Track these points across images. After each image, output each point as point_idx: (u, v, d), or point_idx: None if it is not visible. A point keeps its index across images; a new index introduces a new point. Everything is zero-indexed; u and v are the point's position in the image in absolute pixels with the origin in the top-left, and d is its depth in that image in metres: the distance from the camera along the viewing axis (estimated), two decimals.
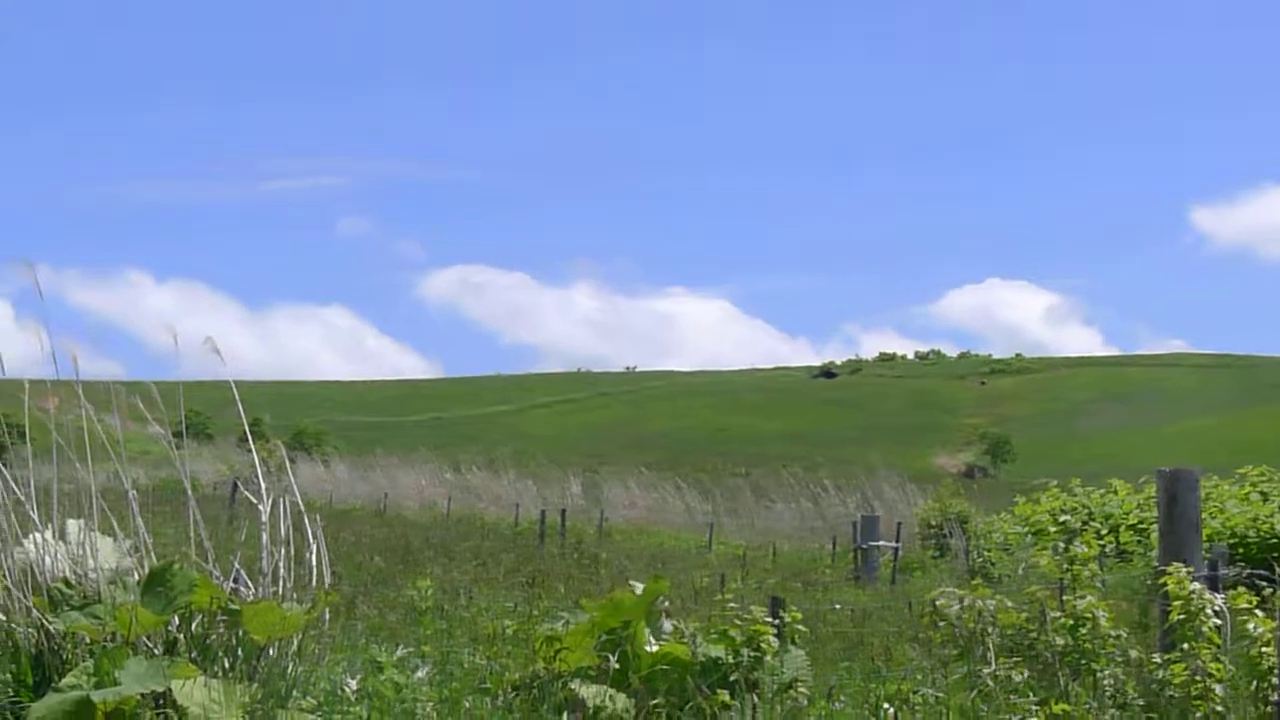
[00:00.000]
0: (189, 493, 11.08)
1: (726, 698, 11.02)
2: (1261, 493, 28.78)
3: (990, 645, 12.92)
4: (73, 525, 10.61)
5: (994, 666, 12.49)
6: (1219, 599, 12.69)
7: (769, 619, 11.96)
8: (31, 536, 10.59)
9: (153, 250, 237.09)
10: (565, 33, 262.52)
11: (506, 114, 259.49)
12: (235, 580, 10.69)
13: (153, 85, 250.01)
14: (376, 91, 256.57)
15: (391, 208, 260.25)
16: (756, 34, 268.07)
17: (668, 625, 12.14)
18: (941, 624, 13.55)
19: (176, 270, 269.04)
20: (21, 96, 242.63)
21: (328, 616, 11.04)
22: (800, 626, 12.75)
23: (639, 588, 11.91)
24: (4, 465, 11.13)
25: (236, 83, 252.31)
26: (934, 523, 39.40)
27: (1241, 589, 13.36)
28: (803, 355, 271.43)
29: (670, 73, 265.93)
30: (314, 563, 10.89)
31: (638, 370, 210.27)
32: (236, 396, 11.43)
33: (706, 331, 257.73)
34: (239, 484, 15.88)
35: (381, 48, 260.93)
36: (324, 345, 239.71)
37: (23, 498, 10.84)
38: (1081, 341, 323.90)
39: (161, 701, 9.09)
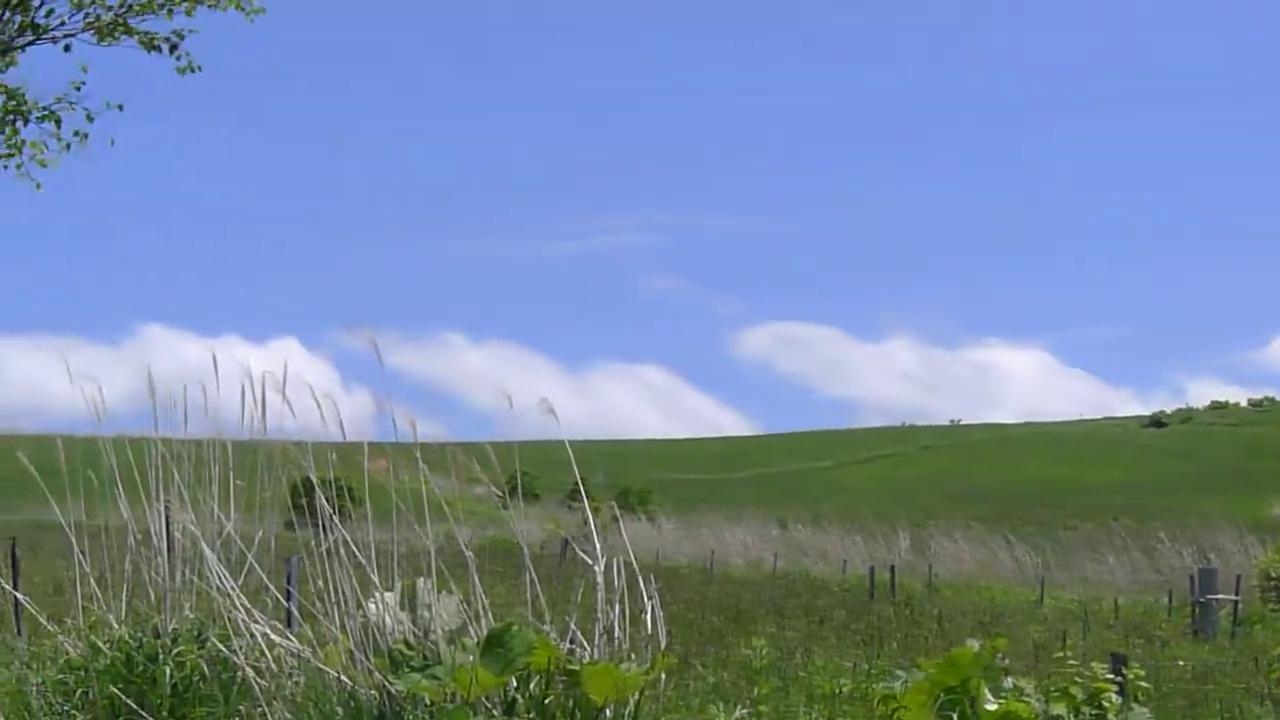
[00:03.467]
0: (524, 553, 11.12)
1: None
2: None
3: None
4: (421, 584, 10.72)
5: None
6: None
7: (1110, 676, 11.59)
8: (373, 598, 10.72)
9: (466, 310, 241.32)
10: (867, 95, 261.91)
11: (802, 166, 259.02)
12: (571, 640, 10.69)
13: (456, 144, 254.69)
14: (682, 146, 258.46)
15: (700, 265, 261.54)
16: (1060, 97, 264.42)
17: (1007, 683, 11.82)
18: None
19: (491, 331, 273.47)
20: (328, 156, 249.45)
21: (664, 677, 10.97)
22: (1143, 683, 12.35)
23: (977, 645, 11.61)
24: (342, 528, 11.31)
25: (591, 143, 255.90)
26: (1275, 574, 38.16)
27: None
28: (1127, 405, 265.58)
29: (969, 120, 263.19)
30: (649, 622, 10.82)
31: (962, 423, 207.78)
32: (570, 456, 11.46)
33: (1026, 383, 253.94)
34: (570, 543, 15.95)
35: (686, 107, 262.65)
36: (642, 403, 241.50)
37: (363, 560, 10.99)
38: None
39: None
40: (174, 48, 18.50)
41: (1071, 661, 11.97)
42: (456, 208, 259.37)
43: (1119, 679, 11.74)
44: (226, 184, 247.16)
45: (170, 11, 18.23)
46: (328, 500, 11.28)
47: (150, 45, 18.43)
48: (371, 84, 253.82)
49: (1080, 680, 11.41)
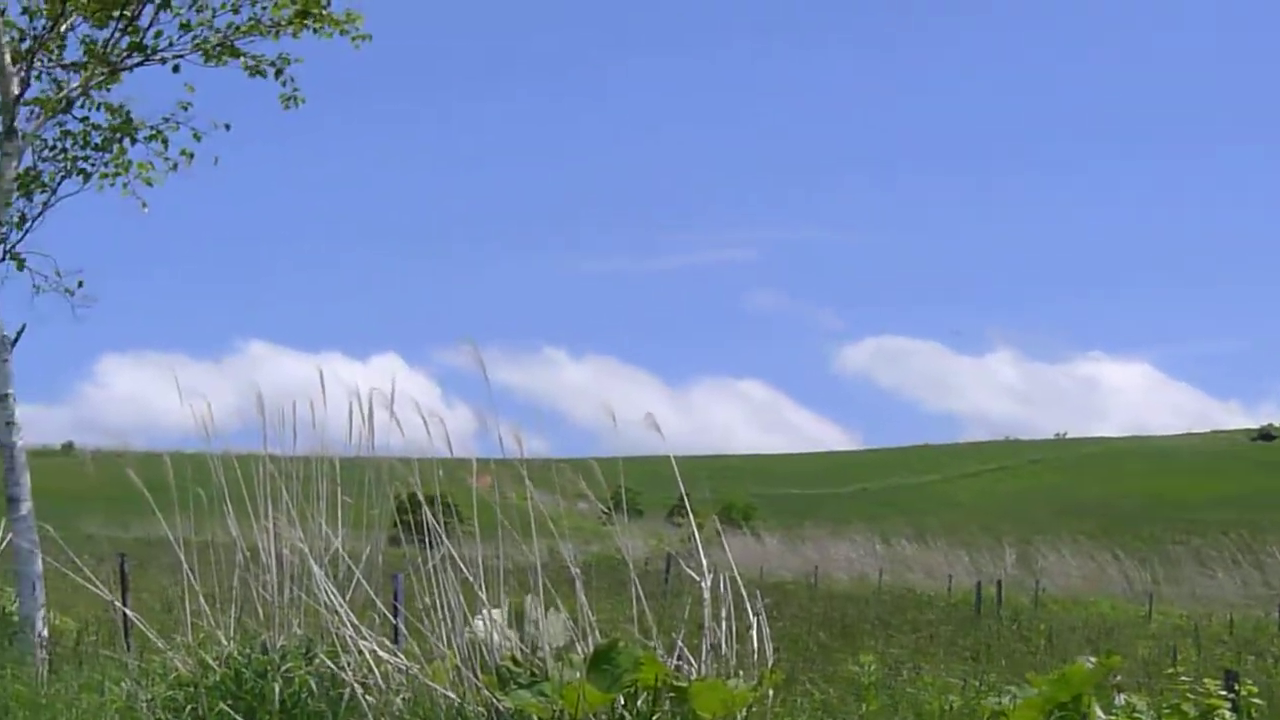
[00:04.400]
0: (630, 569, 11.09)
1: None
2: None
3: None
4: (528, 600, 10.73)
5: None
6: None
7: (1223, 693, 11.44)
8: (480, 614, 10.73)
9: (565, 326, 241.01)
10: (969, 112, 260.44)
11: (903, 179, 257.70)
12: (678, 657, 10.64)
13: (553, 161, 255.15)
14: (781, 160, 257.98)
15: (800, 280, 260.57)
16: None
17: (1119, 699, 11.69)
18: None
19: (590, 346, 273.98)
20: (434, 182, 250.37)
21: (771, 694, 10.90)
22: (1256, 700, 12.19)
23: (1090, 661, 11.49)
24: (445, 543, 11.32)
25: (690, 158, 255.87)
26: None
27: None
28: (1234, 418, 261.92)
29: (1071, 132, 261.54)
30: (756, 639, 10.77)
31: (1068, 437, 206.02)
32: (676, 471, 11.43)
33: (1131, 396, 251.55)
34: (675, 558, 15.96)
35: (784, 120, 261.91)
36: (743, 418, 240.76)
37: (470, 576, 11.00)
38: None
39: None
40: (279, 72, 18.59)
41: (1183, 678, 11.81)
42: (553, 224, 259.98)
43: (1232, 695, 11.57)
44: (325, 201, 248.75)
45: (276, 34, 18.32)
46: (434, 516, 11.30)
47: (256, 70, 18.54)
48: (471, 102, 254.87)
49: (1193, 697, 11.26)
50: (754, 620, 10.76)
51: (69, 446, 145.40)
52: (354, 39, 18.39)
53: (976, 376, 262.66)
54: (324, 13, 18.21)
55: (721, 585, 10.74)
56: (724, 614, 10.65)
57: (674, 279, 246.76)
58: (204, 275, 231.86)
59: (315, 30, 18.24)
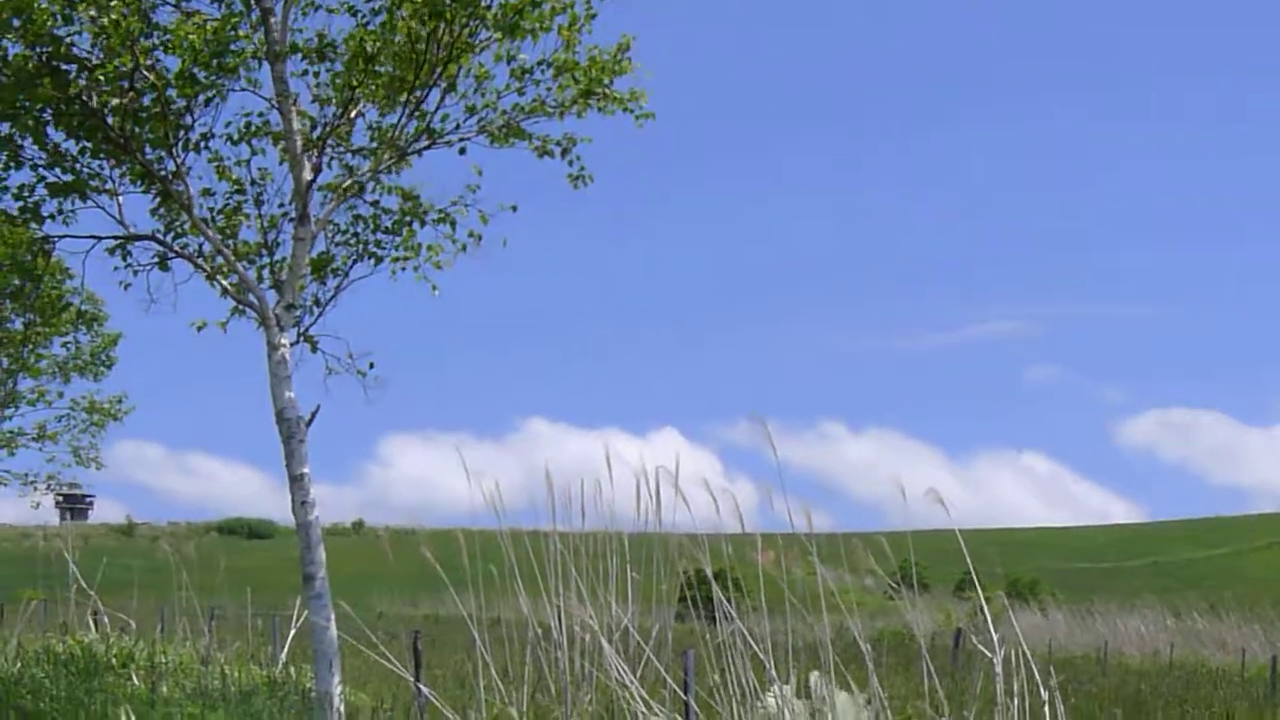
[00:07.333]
0: (921, 645, 11.00)
1: None
2: None
3: None
4: (814, 678, 10.70)
5: None
6: None
7: None
8: (771, 691, 10.71)
9: (843, 400, 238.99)
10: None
11: (1180, 250, 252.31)
12: None
13: (831, 235, 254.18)
14: (1059, 233, 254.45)
15: (1079, 352, 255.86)
16: None
17: None
18: None
19: (870, 420, 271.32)
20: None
21: None
22: None
23: None
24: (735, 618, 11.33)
25: (970, 232, 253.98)
26: None
27: None
28: None
29: None
30: (1049, 715, 10.60)
31: None
32: (963, 545, 11.32)
33: None
34: (965, 633, 15.80)
35: (1062, 194, 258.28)
36: (1025, 491, 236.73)
37: (760, 652, 10.99)
38: None
39: None
40: (565, 152, 18.85)
41: None
42: (830, 298, 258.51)
43: None
44: (601, 278, 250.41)
45: (561, 114, 18.59)
46: (723, 592, 11.33)
47: (543, 151, 18.82)
48: (746, 177, 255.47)
49: None
50: (1047, 696, 10.60)
51: (359, 525, 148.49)
52: (637, 117, 18.57)
53: (1264, 447, 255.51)
54: (608, 91, 18.42)
55: (1013, 661, 10.60)
56: (1016, 690, 10.50)
57: (953, 352, 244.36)
58: (482, 353, 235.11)
59: (600, 109, 18.45)
